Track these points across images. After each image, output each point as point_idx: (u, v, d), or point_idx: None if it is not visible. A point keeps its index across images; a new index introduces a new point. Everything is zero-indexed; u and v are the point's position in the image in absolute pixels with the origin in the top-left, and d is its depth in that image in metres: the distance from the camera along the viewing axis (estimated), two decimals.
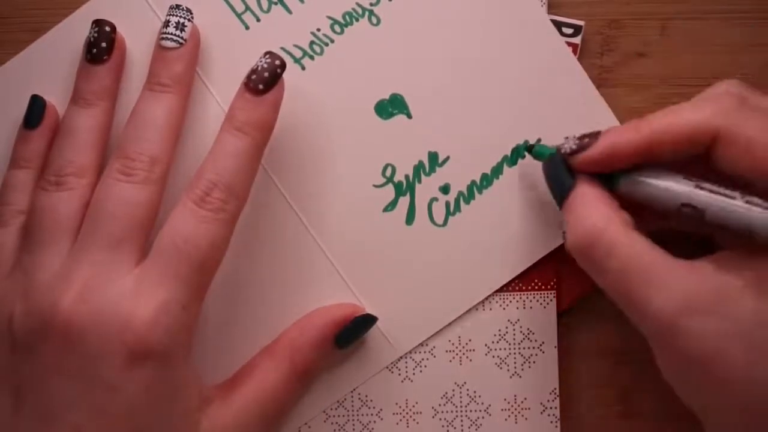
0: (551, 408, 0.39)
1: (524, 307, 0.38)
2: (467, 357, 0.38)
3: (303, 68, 0.36)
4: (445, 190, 0.36)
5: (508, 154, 0.36)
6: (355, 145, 0.36)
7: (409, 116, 0.36)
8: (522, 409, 0.39)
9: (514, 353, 0.38)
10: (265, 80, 0.32)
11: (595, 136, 0.32)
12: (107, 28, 0.34)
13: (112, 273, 0.31)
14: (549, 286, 0.38)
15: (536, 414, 0.39)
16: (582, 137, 0.32)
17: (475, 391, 0.38)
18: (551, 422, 0.38)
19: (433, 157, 0.36)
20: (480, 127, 0.36)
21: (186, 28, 0.34)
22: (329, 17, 0.35)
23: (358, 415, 0.38)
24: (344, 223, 0.36)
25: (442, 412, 0.38)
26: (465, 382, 0.39)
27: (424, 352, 0.38)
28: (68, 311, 0.30)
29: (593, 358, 0.39)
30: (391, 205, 0.36)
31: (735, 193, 0.30)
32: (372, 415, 0.38)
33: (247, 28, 0.35)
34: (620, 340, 0.39)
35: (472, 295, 0.37)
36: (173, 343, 0.31)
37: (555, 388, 0.38)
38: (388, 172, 0.36)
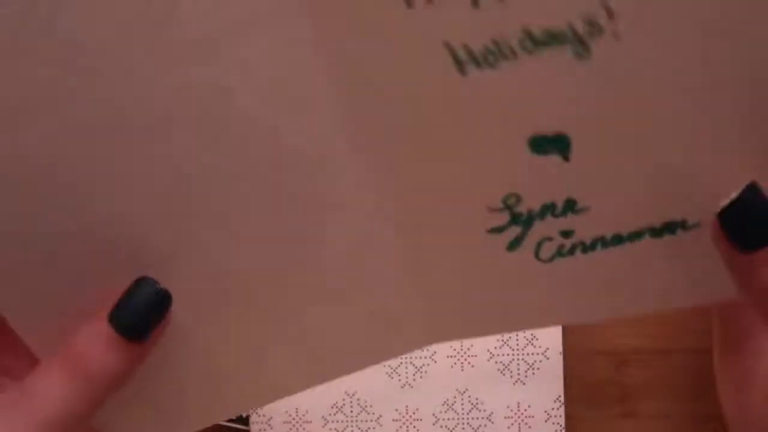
0: (556, 416, 0.37)
1: None
2: (469, 363, 0.37)
3: (464, 74, 0.28)
4: (566, 234, 0.31)
5: (658, 226, 0.30)
6: (484, 164, 0.30)
7: (566, 159, 0.29)
8: (526, 417, 0.37)
9: (518, 359, 0.37)
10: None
11: None
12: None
13: None
14: None
15: (540, 422, 0.37)
16: None
17: (477, 398, 0.37)
18: (556, 431, 0.37)
19: (569, 203, 0.30)
20: (640, 190, 0.30)
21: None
22: (525, 30, 0.27)
23: (356, 421, 0.37)
24: (438, 226, 0.31)
25: (443, 419, 0.37)
26: (467, 389, 0.37)
27: (425, 357, 0.37)
28: None
29: (593, 359, 0.38)
30: (499, 230, 0.31)
31: None
32: (371, 421, 0.37)
33: (409, 5, 0.26)
34: (620, 340, 0.38)
35: (531, 319, 0.33)
36: None
37: (560, 396, 0.37)
38: (511, 201, 0.30)
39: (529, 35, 0.28)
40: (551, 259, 0.31)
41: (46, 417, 0.25)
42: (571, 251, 0.31)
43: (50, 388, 0.25)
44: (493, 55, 0.28)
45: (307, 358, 0.32)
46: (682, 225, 0.30)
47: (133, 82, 0.24)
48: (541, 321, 0.33)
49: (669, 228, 0.30)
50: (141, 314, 0.26)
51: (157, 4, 0.23)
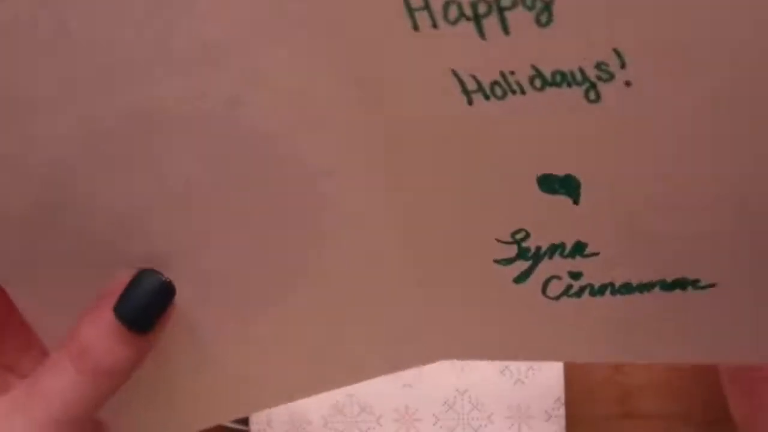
0: (557, 417, 0.37)
1: None
2: (469, 363, 0.37)
3: (470, 102, 0.27)
4: (575, 276, 0.30)
5: (669, 281, 0.30)
6: (492, 195, 0.29)
7: (576, 203, 0.29)
8: (526, 417, 0.37)
9: None
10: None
11: None
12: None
13: None
14: None
15: (541, 422, 0.37)
16: None
17: (477, 398, 0.37)
18: (556, 431, 0.37)
19: (578, 246, 0.29)
20: (651, 243, 0.29)
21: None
22: (534, 67, 0.26)
23: (356, 421, 0.37)
24: (446, 247, 0.30)
25: (443, 419, 0.37)
26: (467, 389, 0.37)
27: None
28: None
29: None
30: (506, 262, 0.30)
31: None
32: (371, 422, 0.37)
33: (416, 28, 0.25)
34: None
35: (532, 351, 0.33)
36: None
37: (560, 396, 0.37)
38: (520, 236, 0.30)
39: (538, 73, 0.26)
40: (558, 297, 0.31)
41: (54, 415, 0.25)
42: (579, 293, 0.30)
43: (58, 385, 0.25)
44: (500, 88, 0.27)
45: (311, 366, 0.32)
46: (694, 284, 0.30)
47: (144, 82, 0.24)
48: (542, 355, 0.33)
49: (680, 284, 0.30)
50: (146, 306, 0.26)
51: (172, 6, 0.23)
